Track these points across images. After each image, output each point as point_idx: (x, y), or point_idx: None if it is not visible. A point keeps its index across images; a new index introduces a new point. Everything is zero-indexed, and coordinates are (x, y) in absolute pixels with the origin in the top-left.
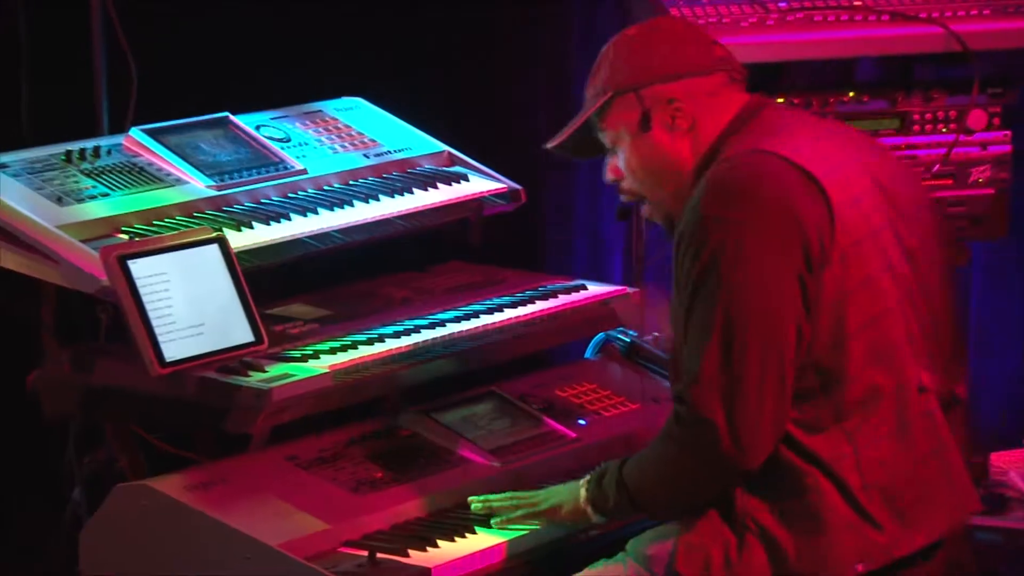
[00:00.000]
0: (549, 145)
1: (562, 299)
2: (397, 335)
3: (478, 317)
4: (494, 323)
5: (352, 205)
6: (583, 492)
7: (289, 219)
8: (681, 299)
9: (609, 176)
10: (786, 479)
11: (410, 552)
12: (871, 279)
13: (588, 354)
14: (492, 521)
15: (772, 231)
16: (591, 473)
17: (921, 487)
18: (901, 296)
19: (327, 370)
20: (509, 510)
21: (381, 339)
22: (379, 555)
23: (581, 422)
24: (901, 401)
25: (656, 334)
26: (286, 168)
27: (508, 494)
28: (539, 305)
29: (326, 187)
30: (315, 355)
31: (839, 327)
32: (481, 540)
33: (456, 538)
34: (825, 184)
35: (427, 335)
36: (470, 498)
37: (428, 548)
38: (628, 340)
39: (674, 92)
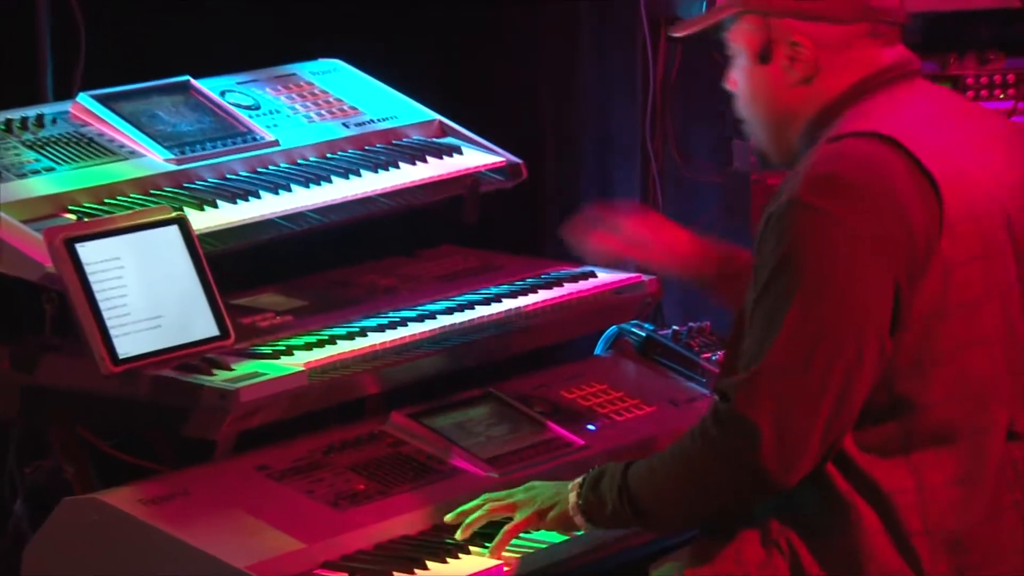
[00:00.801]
0: (674, 34)
1: (568, 288)
2: (381, 328)
3: (473, 308)
4: (491, 315)
5: (330, 181)
6: (572, 497)
7: (258, 197)
8: (755, 284)
9: (727, 86)
10: (830, 509)
11: (396, 575)
12: (973, 304)
13: (598, 350)
14: (457, 534)
15: (872, 231)
16: (584, 476)
17: (991, 543)
18: (1004, 329)
19: (302, 368)
20: (475, 523)
21: (363, 333)
22: None
23: (590, 427)
24: (983, 443)
25: (675, 328)
26: (255, 139)
27: (482, 497)
28: (542, 295)
29: (300, 161)
30: (288, 351)
31: (924, 350)
32: (476, 562)
33: (448, 559)
34: (943, 187)
35: (415, 329)
36: (447, 517)
37: (416, 571)
38: (644, 334)
39: (803, 33)
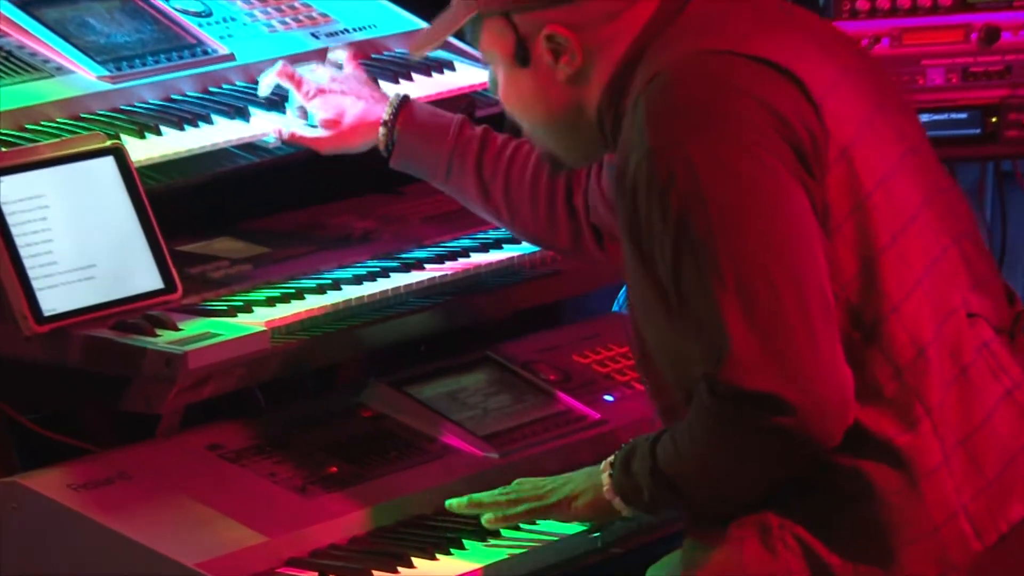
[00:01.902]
0: (413, 54)
1: None
2: (358, 280)
3: (467, 256)
4: (490, 264)
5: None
6: (605, 478)
7: (210, 122)
8: (660, 269)
9: (498, 98)
10: (836, 487)
11: (375, 574)
12: (885, 179)
13: (617, 306)
14: (483, 519)
15: (750, 137)
16: (614, 455)
17: (1003, 445)
18: (923, 198)
19: (263, 328)
20: (505, 506)
21: (336, 286)
22: None
23: (608, 398)
24: (953, 334)
25: None
26: (206, 52)
27: (504, 488)
28: None
29: (260, 79)
30: (246, 307)
31: (865, 247)
32: (469, 558)
33: (438, 555)
34: (796, 71)
35: (398, 280)
36: (448, 502)
37: (400, 568)
38: None
39: (555, 22)
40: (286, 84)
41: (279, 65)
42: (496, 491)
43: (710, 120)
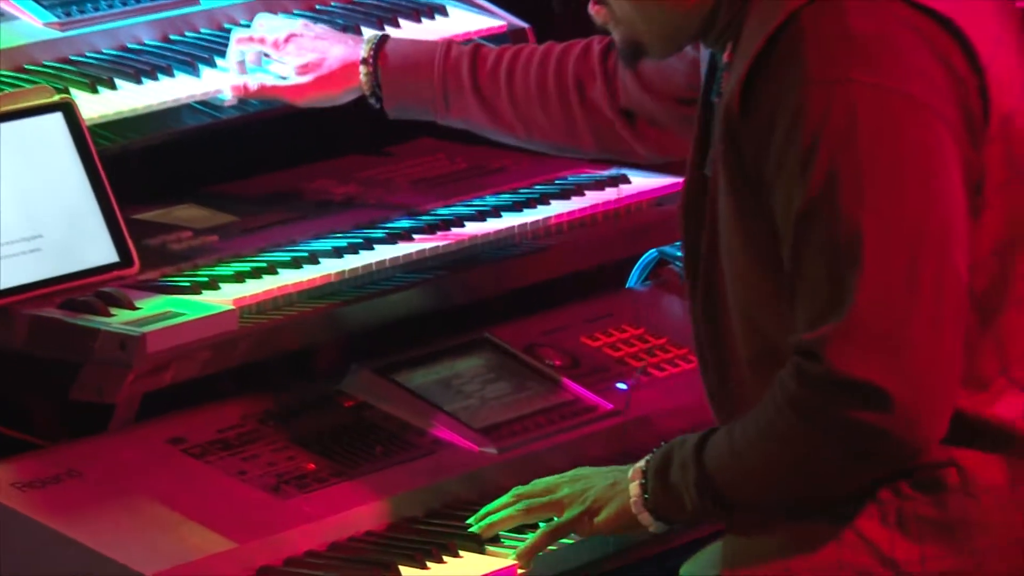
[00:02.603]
0: None
1: (592, 197)
2: (338, 253)
3: (462, 225)
4: (487, 235)
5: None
6: (634, 489)
7: (171, 75)
8: (778, 215)
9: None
10: (911, 476)
11: None
12: None
13: (632, 281)
14: (475, 527)
15: (924, 96)
16: (647, 459)
17: None
18: None
19: (230, 306)
20: (518, 518)
21: (313, 259)
22: None
23: (621, 386)
24: None
25: None
26: None
27: (513, 492)
28: (556, 206)
29: (228, 26)
30: (212, 283)
31: (1009, 226)
32: (464, 567)
33: (429, 563)
34: (964, 27)
35: (383, 253)
36: (473, 523)
37: None
38: None
39: None
40: (251, 47)
41: (232, 42)
42: (503, 501)
43: (886, 64)
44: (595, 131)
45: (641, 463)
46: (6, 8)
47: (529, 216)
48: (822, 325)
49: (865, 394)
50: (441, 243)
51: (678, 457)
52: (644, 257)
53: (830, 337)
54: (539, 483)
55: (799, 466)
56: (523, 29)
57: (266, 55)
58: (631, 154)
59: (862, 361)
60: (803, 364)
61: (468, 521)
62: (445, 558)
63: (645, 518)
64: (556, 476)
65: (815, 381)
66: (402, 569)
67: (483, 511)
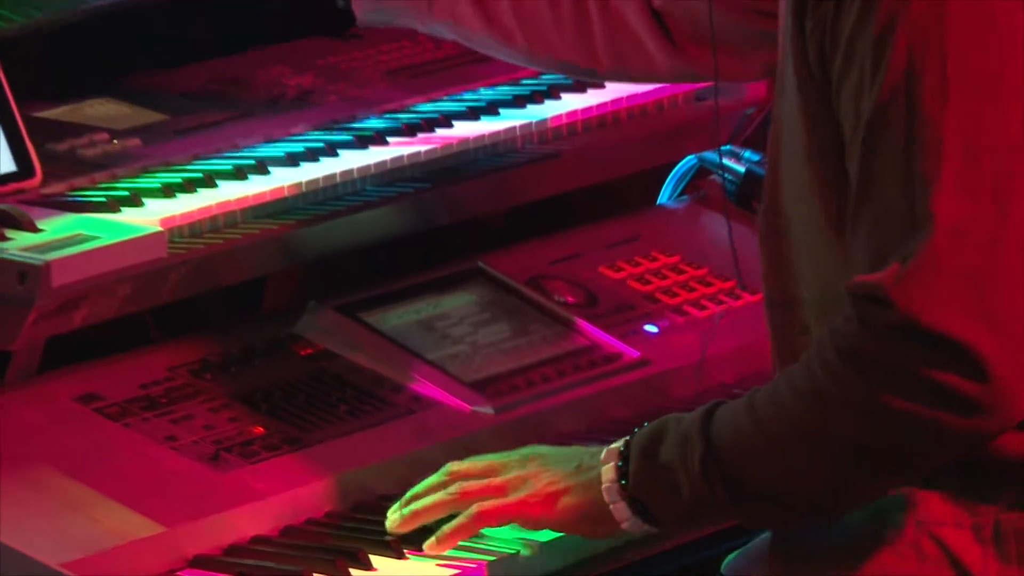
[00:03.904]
0: None
1: (613, 90)
2: (293, 161)
3: (449, 126)
4: (480, 136)
5: None
6: (607, 472)
7: None
8: (846, 120)
9: None
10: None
11: None
12: None
13: (664, 197)
14: (388, 523)
15: None
16: (626, 438)
17: None
18: None
19: (157, 228)
20: (451, 504)
21: (262, 168)
22: None
23: (650, 329)
24: None
25: None
26: None
27: (444, 470)
28: (569, 101)
29: None
30: (134, 199)
31: None
32: (449, 556)
33: (406, 551)
34: None
35: (350, 161)
36: (396, 510)
37: (353, 570)
38: (743, 169)
39: None
40: None
41: None
42: (433, 482)
43: None
44: (613, 46)
45: (618, 443)
46: None
47: (534, 114)
48: (891, 261)
49: (951, 352)
50: (423, 148)
51: (675, 432)
52: (680, 165)
53: (904, 277)
54: (479, 460)
55: (843, 439)
56: None
57: None
58: (654, 75)
59: (945, 307)
60: (865, 310)
61: (390, 510)
62: (423, 544)
63: (619, 510)
64: (502, 453)
65: (881, 331)
66: (373, 558)
67: (408, 494)
